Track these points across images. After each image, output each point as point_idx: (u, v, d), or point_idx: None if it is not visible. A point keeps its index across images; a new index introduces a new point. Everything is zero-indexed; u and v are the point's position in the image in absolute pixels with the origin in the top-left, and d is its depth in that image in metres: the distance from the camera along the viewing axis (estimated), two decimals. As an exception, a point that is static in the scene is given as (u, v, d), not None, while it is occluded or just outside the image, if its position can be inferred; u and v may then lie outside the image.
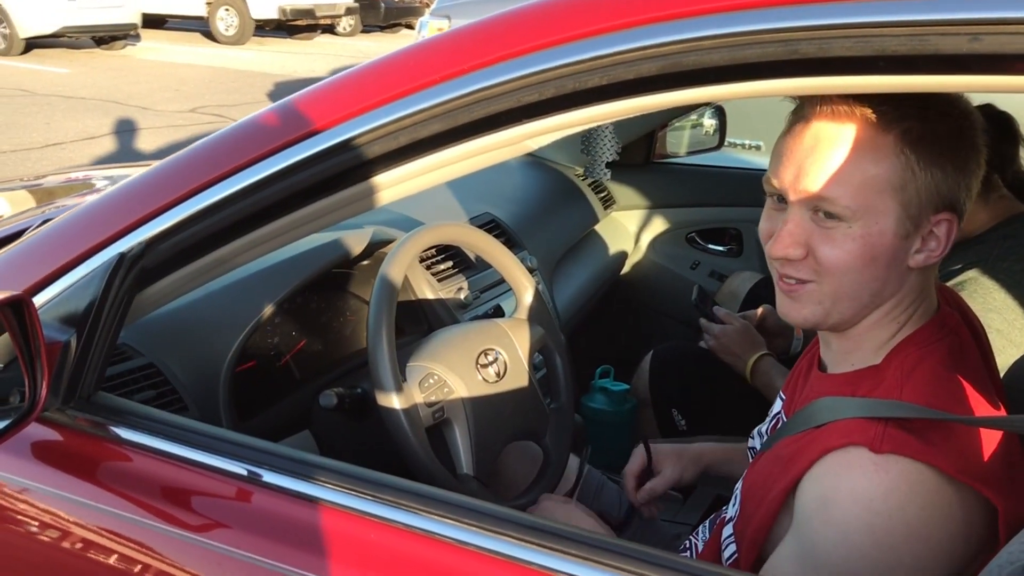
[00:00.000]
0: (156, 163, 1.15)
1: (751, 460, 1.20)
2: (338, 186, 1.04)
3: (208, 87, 9.89)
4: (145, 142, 7.27)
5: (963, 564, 0.89)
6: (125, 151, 7.01)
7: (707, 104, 2.72)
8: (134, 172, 1.24)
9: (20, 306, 1.02)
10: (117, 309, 1.09)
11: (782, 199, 0.99)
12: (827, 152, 0.93)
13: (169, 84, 9.89)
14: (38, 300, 1.07)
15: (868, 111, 0.92)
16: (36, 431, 1.08)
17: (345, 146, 0.99)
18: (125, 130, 7.58)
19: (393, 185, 1.04)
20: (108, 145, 7.14)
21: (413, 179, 1.03)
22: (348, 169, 1.01)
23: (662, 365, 2.15)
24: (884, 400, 0.94)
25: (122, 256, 1.07)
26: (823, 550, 0.92)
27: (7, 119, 7.61)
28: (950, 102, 0.95)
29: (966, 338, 1.02)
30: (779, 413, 1.17)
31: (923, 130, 0.92)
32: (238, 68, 11.48)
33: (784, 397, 1.18)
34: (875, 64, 0.77)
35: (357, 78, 1.01)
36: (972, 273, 1.56)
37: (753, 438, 1.24)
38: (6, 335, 1.10)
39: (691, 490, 1.80)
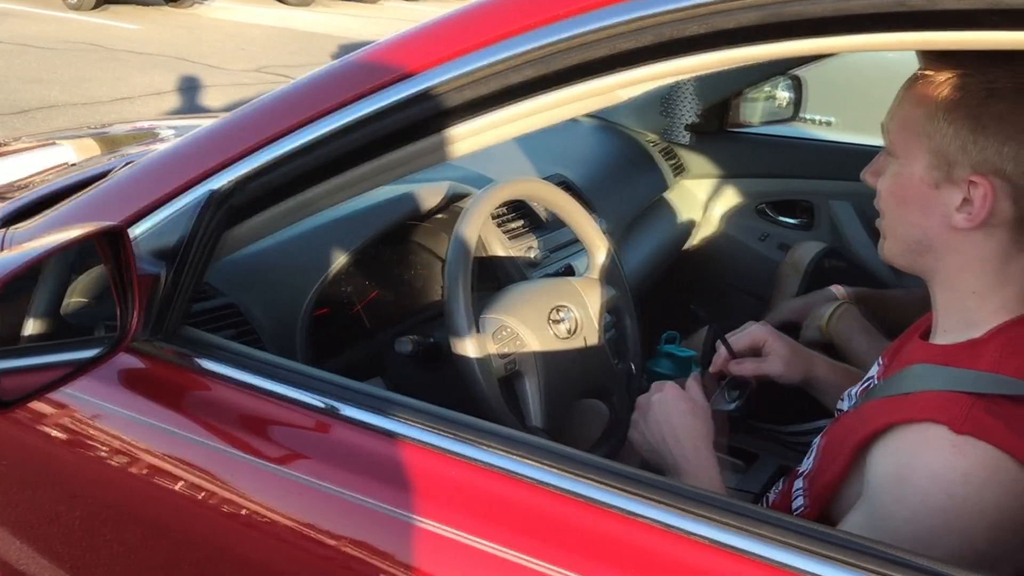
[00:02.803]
0: (248, 104, 1.17)
1: (835, 418, 1.19)
2: (425, 133, 1.05)
3: (274, 47, 9.98)
4: (211, 99, 7.38)
5: None
6: (191, 107, 7.12)
7: (785, 74, 2.67)
8: (200, 123, 1.26)
9: (116, 237, 1.05)
10: (206, 246, 1.11)
11: None
12: (900, 92, 1.02)
13: (236, 43, 10.00)
14: (132, 232, 1.10)
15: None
16: (125, 360, 1.12)
17: (434, 92, 1.00)
18: (191, 86, 7.69)
19: (478, 133, 1.05)
20: (175, 100, 7.25)
21: (499, 127, 1.03)
22: (436, 115, 1.01)
23: (716, 340, 2.10)
24: (979, 372, 0.93)
25: (213, 193, 1.09)
26: (892, 527, 0.91)
27: (78, 73, 7.76)
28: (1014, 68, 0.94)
29: None
30: (872, 377, 1.16)
31: (962, 85, 0.94)
32: (304, 29, 11.57)
33: (881, 362, 1.17)
34: (986, 18, 0.75)
35: (451, 22, 1.02)
36: None
37: (843, 400, 1.23)
38: (96, 269, 1.14)
39: (755, 459, 1.79)
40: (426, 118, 1.02)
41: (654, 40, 0.87)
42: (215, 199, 1.09)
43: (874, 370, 1.17)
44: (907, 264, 1.06)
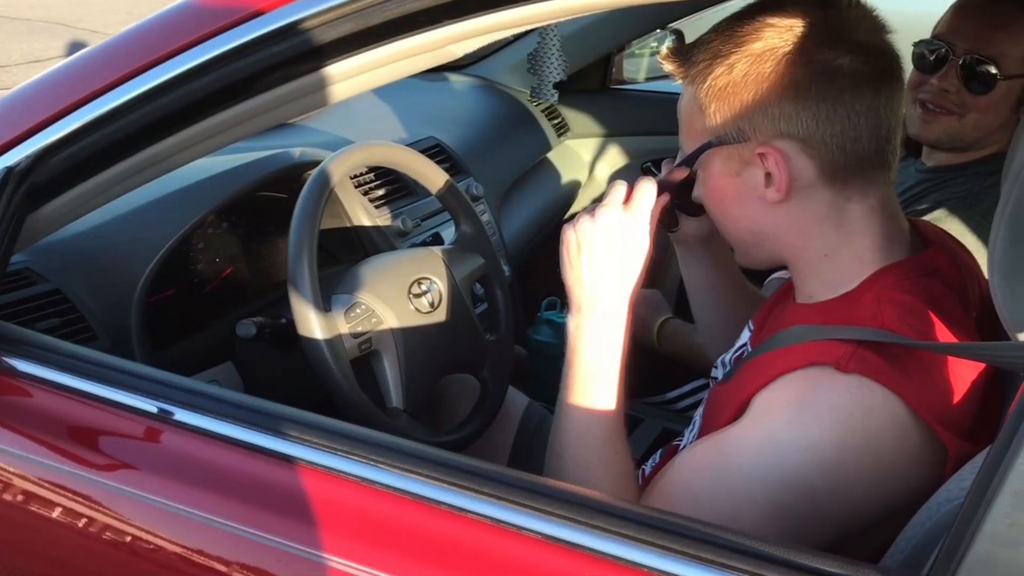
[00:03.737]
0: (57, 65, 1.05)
1: (711, 388, 1.14)
2: (246, 93, 0.95)
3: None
4: (93, 67, 6.99)
5: (909, 499, 0.84)
6: (72, 76, 6.73)
7: (666, 28, 2.62)
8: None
9: None
10: (6, 229, 1.00)
11: None
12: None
13: (120, 7, 9.49)
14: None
15: None
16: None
17: (250, 48, 0.90)
18: (73, 53, 7.26)
19: (305, 95, 0.96)
20: (55, 69, 6.85)
21: (319, 90, 0.94)
22: (251, 76, 0.91)
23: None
24: (857, 327, 0.89)
25: (9, 171, 0.98)
26: (782, 450, 0.85)
27: (-57, 38, 7.27)
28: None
29: (954, 279, 0.97)
30: (744, 344, 1.12)
31: (704, 73, 0.94)
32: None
33: (752, 327, 1.13)
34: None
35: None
36: (940, 213, 1.47)
37: (716, 368, 1.19)
38: None
39: (637, 423, 1.76)
40: (243, 78, 0.93)
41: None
42: (12, 176, 0.98)
43: (745, 335, 1.13)
44: (761, 260, 1.02)
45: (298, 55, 0.91)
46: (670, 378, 1.79)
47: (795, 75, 0.90)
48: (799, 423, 0.86)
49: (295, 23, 0.86)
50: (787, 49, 0.90)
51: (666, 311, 1.93)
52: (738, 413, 0.93)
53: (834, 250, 0.95)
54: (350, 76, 0.90)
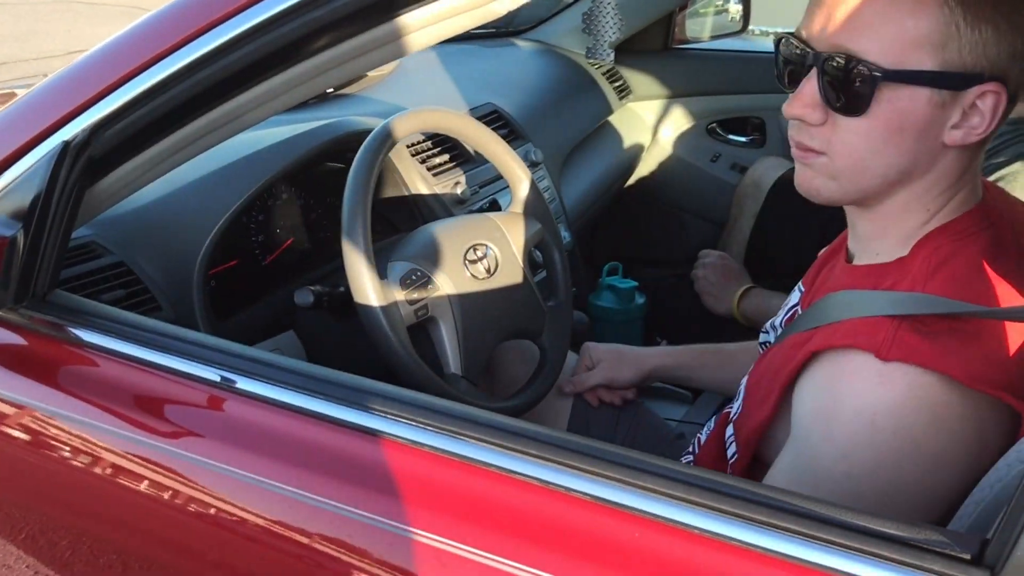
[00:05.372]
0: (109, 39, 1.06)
1: (761, 354, 1.11)
2: (296, 57, 0.95)
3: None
4: (168, 50, 7.12)
5: (975, 475, 0.81)
6: (148, 60, 6.87)
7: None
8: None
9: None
10: (67, 202, 1.02)
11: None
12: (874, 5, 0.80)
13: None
14: (-21, 194, 1.01)
15: None
16: (-13, 331, 1.03)
17: (298, 10, 0.90)
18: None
19: (364, 53, 0.95)
20: (130, 54, 7.00)
21: (372, 51, 0.93)
22: (306, 36, 0.91)
23: (656, 287, 2.05)
24: (904, 294, 0.85)
25: (66, 145, 0.99)
26: (823, 466, 0.84)
27: (29, 27, 7.48)
28: None
29: (1006, 235, 0.90)
30: (796, 305, 1.08)
31: None
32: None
33: (803, 288, 1.09)
34: None
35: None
36: (1019, 166, 1.39)
37: (766, 332, 1.15)
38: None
39: (700, 391, 1.73)
40: (290, 43, 0.92)
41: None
42: (70, 150, 0.99)
43: (795, 296, 1.09)
44: (858, 198, 0.90)
45: (343, 17, 0.90)
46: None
47: None
48: (828, 433, 0.85)
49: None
50: None
51: (746, 280, 1.91)
52: (782, 392, 0.92)
53: (935, 210, 0.88)
54: (397, 37, 0.88)
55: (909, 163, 0.85)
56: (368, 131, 1.49)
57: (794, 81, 0.88)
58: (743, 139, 2.59)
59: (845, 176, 0.87)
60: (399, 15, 0.86)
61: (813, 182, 0.89)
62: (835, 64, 0.82)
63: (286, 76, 0.98)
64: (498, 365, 1.45)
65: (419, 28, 0.88)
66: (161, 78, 0.96)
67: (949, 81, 0.81)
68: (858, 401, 0.82)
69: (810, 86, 0.85)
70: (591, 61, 2.48)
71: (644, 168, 2.62)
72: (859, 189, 0.88)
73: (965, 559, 0.58)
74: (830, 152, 0.86)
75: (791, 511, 0.64)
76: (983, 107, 0.82)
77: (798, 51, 0.87)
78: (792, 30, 0.91)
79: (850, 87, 0.82)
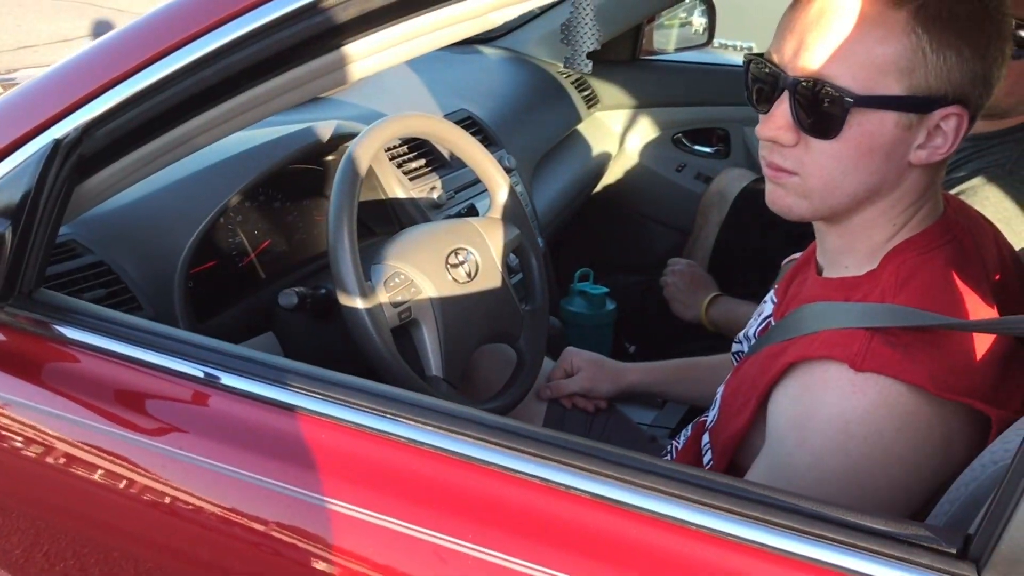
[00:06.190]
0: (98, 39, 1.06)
1: (735, 364, 1.15)
2: (286, 64, 0.96)
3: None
4: (121, 46, 7.01)
5: (941, 478, 0.85)
6: (100, 55, 6.75)
7: (696, -1, 2.60)
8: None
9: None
10: (55, 200, 1.01)
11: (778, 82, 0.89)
12: (831, 25, 0.84)
13: (145, -15, 9.52)
14: (-33, 190, 1.00)
15: None
16: (-29, 329, 1.02)
17: (297, 15, 0.91)
18: (101, 33, 7.26)
19: (356, 60, 0.96)
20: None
21: (368, 58, 0.95)
22: (297, 44, 0.92)
23: (625, 293, 2.09)
24: (877, 305, 0.89)
25: (57, 143, 0.99)
26: (797, 471, 0.88)
27: (-26, 21, 7.31)
28: None
29: (969, 246, 0.94)
30: (769, 316, 1.11)
31: (940, 7, 0.83)
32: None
33: (776, 300, 1.12)
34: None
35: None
36: (978, 181, 1.45)
37: (739, 342, 1.18)
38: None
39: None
40: (281, 50, 0.93)
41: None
42: (61, 148, 0.99)
43: (768, 308, 1.13)
44: (828, 215, 0.93)
45: (339, 25, 0.91)
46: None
47: (1003, 32, 0.86)
48: (801, 440, 0.88)
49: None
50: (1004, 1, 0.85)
51: (713, 288, 1.95)
52: (759, 402, 0.95)
53: (900, 224, 0.93)
54: (392, 45, 0.90)
55: (877, 182, 0.89)
56: (347, 136, 1.51)
57: (763, 100, 0.92)
58: (708, 150, 2.65)
59: (817, 195, 0.91)
60: (402, 21, 0.87)
61: (785, 200, 0.93)
62: (808, 89, 0.86)
63: (277, 82, 0.99)
64: (473, 369, 1.47)
65: (421, 35, 0.90)
66: (157, 79, 0.96)
67: (916, 105, 0.85)
68: (832, 409, 0.86)
69: (782, 109, 0.88)
70: (561, 70, 2.51)
71: (611, 176, 2.66)
72: (829, 207, 0.92)
73: (951, 553, 0.62)
74: (802, 173, 0.90)
75: (786, 508, 0.67)
76: (946, 128, 0.87)
77: (767, 72, 0.91)
78: (752, 44, 0.95)
79: (822, 111, 0.86)
